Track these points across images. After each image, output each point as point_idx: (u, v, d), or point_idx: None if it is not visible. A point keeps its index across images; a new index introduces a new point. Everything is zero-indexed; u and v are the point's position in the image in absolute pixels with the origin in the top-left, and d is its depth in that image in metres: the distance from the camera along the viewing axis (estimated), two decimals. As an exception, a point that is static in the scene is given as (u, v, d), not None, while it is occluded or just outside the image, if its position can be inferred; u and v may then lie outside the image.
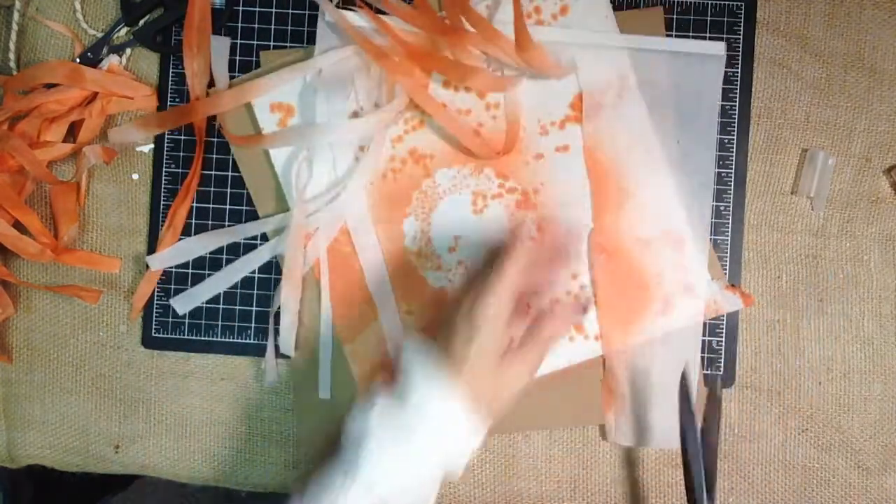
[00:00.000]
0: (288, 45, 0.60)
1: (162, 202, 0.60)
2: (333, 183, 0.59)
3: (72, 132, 0.60)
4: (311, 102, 0.58)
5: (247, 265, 0.60)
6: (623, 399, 0.58)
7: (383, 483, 0.43)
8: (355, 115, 0.58)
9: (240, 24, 0.60)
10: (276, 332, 0.59)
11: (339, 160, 0.59)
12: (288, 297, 0.58)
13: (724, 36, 0.59)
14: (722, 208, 0.59)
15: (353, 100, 0.58)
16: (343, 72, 0.58)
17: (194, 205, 0.60)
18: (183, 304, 0.60)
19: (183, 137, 0.60)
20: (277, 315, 0.59)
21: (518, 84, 0.58)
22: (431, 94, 0.58)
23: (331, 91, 0.57)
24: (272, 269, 0.60)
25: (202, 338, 0.60)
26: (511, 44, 0.55)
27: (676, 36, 0.59)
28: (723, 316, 0.59)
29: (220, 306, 0.60)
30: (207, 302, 0.60)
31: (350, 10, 0.57)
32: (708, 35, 0.59)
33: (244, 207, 0.60)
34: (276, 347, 0.59)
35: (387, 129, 0.58)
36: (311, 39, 0.59)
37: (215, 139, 0.60)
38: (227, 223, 0.60)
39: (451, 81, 0.58)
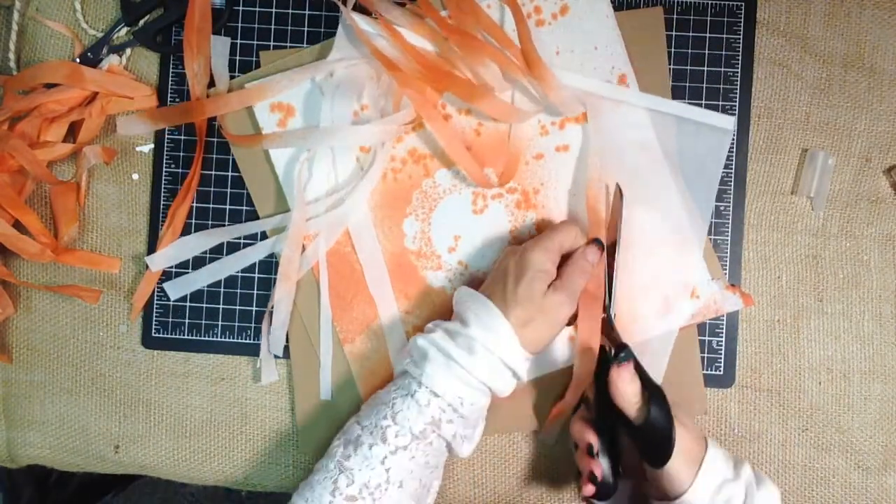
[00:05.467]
0: (288, 45, 0.60)
1: (162, 202, 0.60)
2: (333, 188, 0.59)
3: (72, 132, 0.60)
4: (315, 104, 0.58)
5: (245, 258, 0.59)
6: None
7: (447, 392, 0.49)
8: (355, 115, 0.58)
9: (240, 24, 0.60)
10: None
11: (340, 162, 0.59)
12: (281, 298, 0.58)
13: (724, 36, 0.59)
14: (722, 208, 0.59)
15: (356, 101, 0.58)
16: (353, 77, 0.58)
17: (194, 205, 0.60)
18: (176, 289, 0.60)
19: (183, 137, 0.60)
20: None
21: (527, 118, 0.58)
22: (438, 111, 0.58)
23: (338, 96, 0.57)
24: (273, 270, 0.60)
25: (202, 338, 0.60)
26: (516, 48, 0.55)
27: (677, 36, 0.59)
28: (723, 316, 0.59)
29: (220, 306, 0.60)
30: (207, 302, 0.60)
31: (366, 18, 0.57)
32: (708, 34, 0.59)
33: (244, 207, 0.60)
34: (276, 347, 0.59)
35: (390, 139, 0.58)
36: (312, 39, 0.59)
37: (215, 139, 0.60)
38: (227, 223, 0.60)
39: (462, 100, 0.58)
